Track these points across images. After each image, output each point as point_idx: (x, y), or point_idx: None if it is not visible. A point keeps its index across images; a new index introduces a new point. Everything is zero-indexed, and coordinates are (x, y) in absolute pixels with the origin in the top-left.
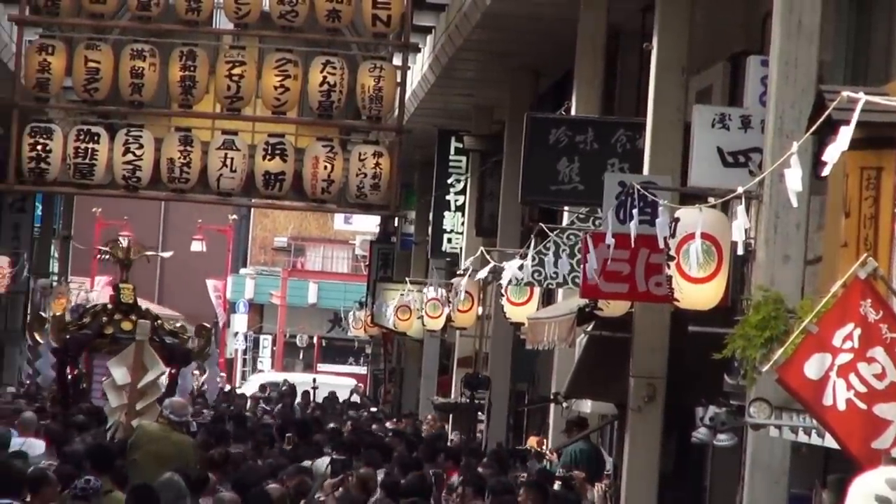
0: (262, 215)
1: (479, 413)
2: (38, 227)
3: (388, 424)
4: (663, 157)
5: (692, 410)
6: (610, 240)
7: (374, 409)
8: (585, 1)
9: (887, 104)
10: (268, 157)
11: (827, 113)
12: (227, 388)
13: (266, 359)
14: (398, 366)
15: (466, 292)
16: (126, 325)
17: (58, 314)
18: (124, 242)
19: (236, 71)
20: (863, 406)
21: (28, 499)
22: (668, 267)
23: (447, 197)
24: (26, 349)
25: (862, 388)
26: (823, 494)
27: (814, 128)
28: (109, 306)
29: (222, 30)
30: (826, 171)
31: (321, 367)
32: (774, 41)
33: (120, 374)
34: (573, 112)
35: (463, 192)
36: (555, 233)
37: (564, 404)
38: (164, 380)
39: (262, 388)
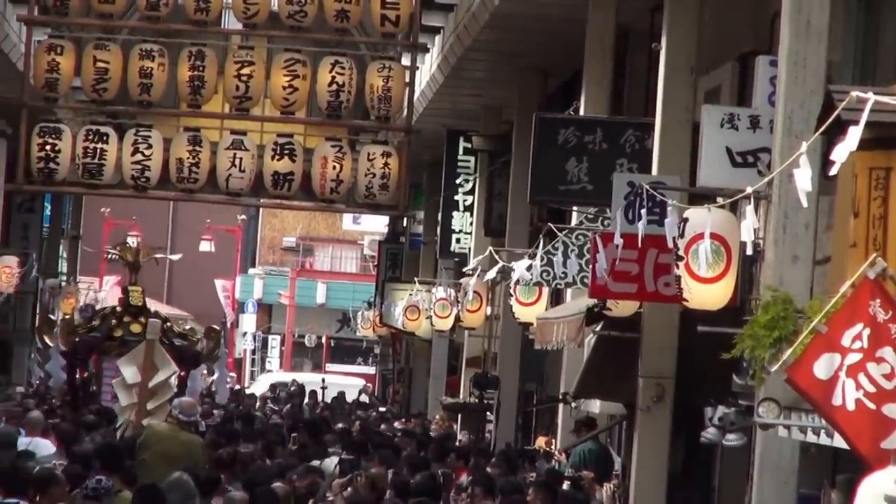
0: (270, 215)
1: (488, 413)
2: (47, 227)
3: (396, 424)
4: (672, 157)
5: (701, 410)
6: (618, 240)
7: (382, 409)
8: (594, 1)
9: None
10: (276, 157)
11: (836, 113)
12: (237, 387)
13: (274, 359)
14: (407, 366)
15: (475, 292)
16: (135, 328)
17: (67, 316)
18: (133, 245)
19: (245, 71)
20: (872, 406)
21: (36, 499)
22: (677, 267)
23: (456, 197)
24: (36, 351)
25: (871, 388)
26: (832, 494)
27: (823, 128)
28: (118, 309)
29: (231, 30)
30: (834, 171)
31: (329, 367)
32: (783, 41)
33: (130, 372)
34: (582, 112)
35: (471, 192)
36: (563, 233)
37: (573, 404)
38: (174, 380)
39: (273, 388)
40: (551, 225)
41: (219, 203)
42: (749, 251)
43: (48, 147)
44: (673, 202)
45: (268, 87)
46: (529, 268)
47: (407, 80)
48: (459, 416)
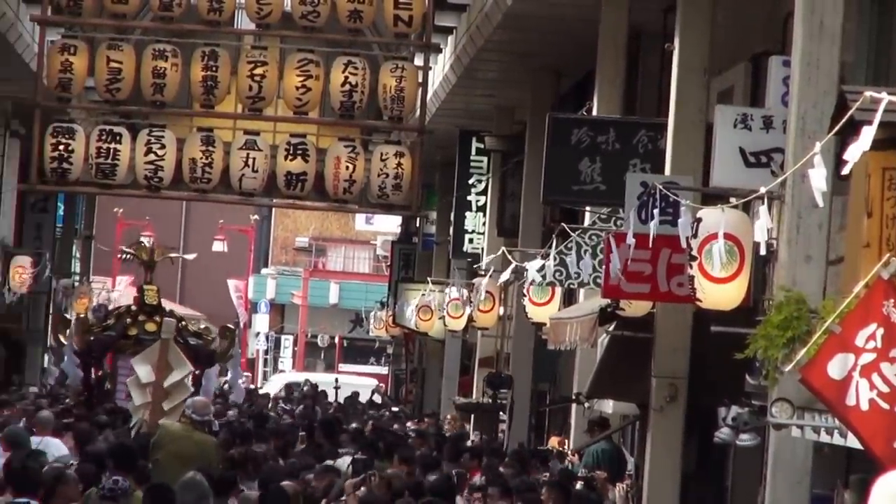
0: (283, 215)
1: (501, 413)
2: (60, 227)
3: (409, 424)
4: (685, 157)
5: (714, 410)
6: (631, 240)
7: (395, 409)
8: (607, 1)
9: None
10: (289, 157)
11: (849, 113)
12: (251, 387)
13: (287, 359)
14: (420, 366)
15: (488, 292)
16: (150, 327)
17: (81, 315)
18: (148, 244)
19: (258, 71)
20: (886, 406)
21: (47, 498)
22: (691, 267)
23: (468, 197)
24: (50, 351)
25: (885, 388)
26: (846, 495)
27: (836, 128)
28: (133, 308)
29: (244, 30)
30: (846, 170)
31: (342, 367)
32: (796, 42)
33: (144, 371)
34: (595, 112)
35: (484, 192)
36: (577, 233)
37: (586, 404)
38: (190, 380)
39: (288, 388)
40: (564, 225)
41: (232, 203)
42: (762, 251)
43: (61, 147)
44: (686, 202)
45: (281, 87)
46: (542, 268)
47: (420, 80)
48: (472, 416)
